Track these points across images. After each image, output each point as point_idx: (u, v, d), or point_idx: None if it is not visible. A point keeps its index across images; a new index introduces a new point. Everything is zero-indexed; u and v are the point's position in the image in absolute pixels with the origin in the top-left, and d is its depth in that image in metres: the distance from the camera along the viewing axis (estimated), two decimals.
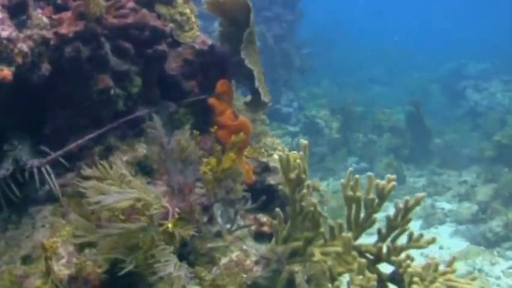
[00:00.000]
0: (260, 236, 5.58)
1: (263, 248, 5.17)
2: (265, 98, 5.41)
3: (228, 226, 5.14)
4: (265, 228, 5.56)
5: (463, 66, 30.49)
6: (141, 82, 5.26)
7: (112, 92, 4.94)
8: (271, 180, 5.82)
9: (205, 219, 4.95)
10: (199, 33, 5.94)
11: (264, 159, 5.92)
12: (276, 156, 6.13)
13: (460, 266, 12.05)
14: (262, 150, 6.01)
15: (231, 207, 5.19)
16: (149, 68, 5.34)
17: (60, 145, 4.97)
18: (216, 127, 4.80)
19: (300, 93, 22.94)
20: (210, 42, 5.84)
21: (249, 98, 6.03)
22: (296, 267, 4.99)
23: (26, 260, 4.45)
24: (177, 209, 4.49)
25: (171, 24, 5.53)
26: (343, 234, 4.07)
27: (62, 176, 5.04)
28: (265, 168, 5.86)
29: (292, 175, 4.42)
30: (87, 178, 4.35)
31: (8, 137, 5.03)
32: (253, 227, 5.44)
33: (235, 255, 4.94)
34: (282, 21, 23.01)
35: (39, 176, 4.91)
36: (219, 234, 4.97)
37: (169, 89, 5.58)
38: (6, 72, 4.16)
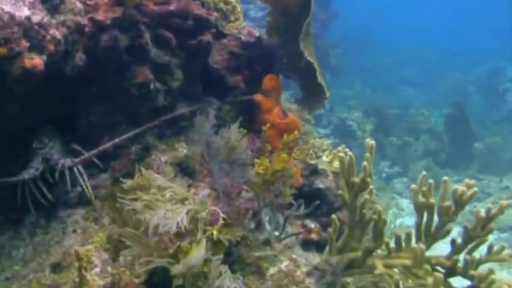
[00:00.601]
0: (307, 244, 5.09)
1: (314, 258, 4.72)
2: (327, 93, 4.93)
3: (276, 233, 4.66)
4: (313, 236, 5.09)
5: (502, 68, 29.57)
6: (182, 76, 4.80)
7: (152, 86, 4.50)
8: (320, 183, 5.32)
9: (252, 225, 4.47)
10: (245, 24, 5.46)
11: (312, 162, 5.43)
12: (325, 159, 5.63)
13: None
14: (310, 151, 5.53)
15: (280, 213, 4.73)
16: (192, 60, 4.88)
17: (93, 143, 4.54)
18: (268, 125, 4.31)
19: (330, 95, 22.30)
20: (257, 33, 5.37)
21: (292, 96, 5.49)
22: (349, 279, 4.50)
23: (56, 268, 4.03)
24: (222, 214, 4.00)
25: (215, 13, 5.06)
26: (414, 245, 3.55)
27: (94, 176, 4.62)
28: (314, 171, 5.39)
29: (356, 179, 3.93)
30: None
31: (37, 134, 4.62)
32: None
33: (284, 265, 4.48)
34: (315, 20, 22.42)
35: (71, 177, 4.48)
36: (267, 242, 4.50)
37: (212, 84, 5.13)
38: (37, 60, 3.73)
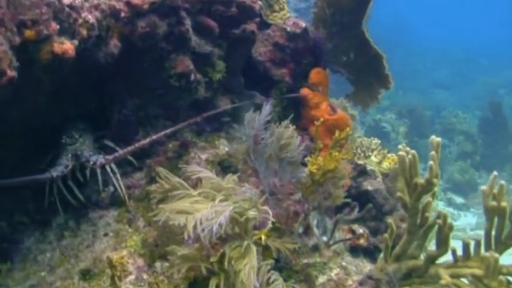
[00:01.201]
0: (355, 250, 4.59)
1: (364, 266, 4.27)
2: (391, 83, 4.45)
3: (324, 238, 4.15)
4: (362, 242, 4.57)
5: None
6: (224, 67, 4.31)
7: (192, 77, 4.04)
8: (368, 185, 4.80)
9: (300, 229, 3.98)
10: (290, 14, 4.96)
11: (361, 162, 4.92)
12: (373, 159, 5.11)
13: None
14: (358, 151, 5.01)
15: (328, 216, 4.22)
16: (234, 51, 4.42)
17: (127, 140, 4.10)
18: (322, 120, 3.81)
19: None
20: (303, 24, 4.87)
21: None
22: None
23: (86, 275, 3.62)
24: (271, 218, 3.51)
25: (259, 2, 4.57)
26: (485, 253, 3.04)
27: (128, 175, 4.18)
28: (362, 172, 4.87)
29: (420, 180, 3.42)
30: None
31: (67, 129, 4.17)
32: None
33: (334, 273, 4.03)
34: None
35: (103, 176, 4.05)
36: (315, 248, 3.99)
37: (255, 77, 4.64)
38: (68, 45, 3.29)
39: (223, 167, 4.22)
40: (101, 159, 3.91)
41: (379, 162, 5.04)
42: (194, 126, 4.36)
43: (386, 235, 3.88)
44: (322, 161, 3.77)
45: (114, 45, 3.74)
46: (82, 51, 3.44)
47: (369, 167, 4.98)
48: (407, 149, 3.64)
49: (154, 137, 3.82)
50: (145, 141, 3.83)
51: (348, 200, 4.29)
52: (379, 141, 5.35)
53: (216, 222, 3.01)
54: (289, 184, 3.89)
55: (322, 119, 3.88)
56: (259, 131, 3.90)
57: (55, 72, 3.38)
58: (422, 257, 3.87)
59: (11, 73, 3.00)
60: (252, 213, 3.17)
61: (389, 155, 5.20)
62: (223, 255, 3.30)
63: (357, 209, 4.22)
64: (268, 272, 3.22)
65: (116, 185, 4.02)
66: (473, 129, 19.11)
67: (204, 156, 4.18)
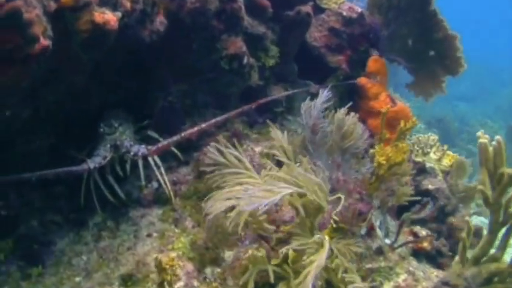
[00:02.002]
0: (417, 255, 3.99)
1: (430, 271, 3.69)
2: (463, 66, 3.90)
3: (388, 241, 3.55)
4: (426, 245, 3.97)
5: None
6: (278, 53, 3.76)
7: (245, 60, 3.50)
8: (429, 184, 4.21)
9: (363, 230, 3.40)
10: None
11: (419, 159, 4.32)
12: (432, 156, 4.51)
13: None
14: (416, 147, 4.42)
15: (392, 217, 3.65)
16: (288, 35, 3.91)
17: (172, 131, 3.54)
18: (388, 106, 3.26)
19: None
20: (359, 9, 4.32)
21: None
22: None
23: (127, 280, 3.11)
24: (334, 216, 2.93)
25: None
26: None
27: (173, 170, 3.64)
28: (421, 170, 4.28)
29: (508, 170, 2.83)
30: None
31: (105, 117, 3.64)
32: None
33: (401, 279, 3.43)
34: None
35: (145, 169, 3.49)
36: (379, 251, 3.40)
37: (309, 64, 4.09)
38: (110, 16, 2.80)
39: (279, 160, 3.63)
40: (142, 149, 3.37)
41: (439, 160, 4.44)
42: (245, 117, 3.85)
43: (463, 235, 3.31)
44: (391, 151, 3.18)
45: (160, 22, 3.23)
46: (125, 27, 2.95)
47: (428, 165, 4.39)
48: (486, 136, 3.06)
49: (203, 125, 3.27)
50: (192, 130, 3.29)
51: (417, 197, 3.71)
52: (437, 137, 4.75)
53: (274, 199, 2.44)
54: (352, 179, 3.31)
55: (388, 106, 3.29)
56: (317, 120, 3.33)
57: (95, 49, 2.88)
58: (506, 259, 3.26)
59: (45, 41, 2.51)
60: (323, 203, 2.59)
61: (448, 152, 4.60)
62: (285, 256, 2.73)
63: (429, 206, 3.62)
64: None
65: (160, 180, 3.48)
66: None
67: (258, 149, 3.65)
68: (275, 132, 3.12)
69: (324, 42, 4.16)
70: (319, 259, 2.58)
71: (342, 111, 3.41)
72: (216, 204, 2.56)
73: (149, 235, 3.41)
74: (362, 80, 4.07)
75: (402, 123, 3.46)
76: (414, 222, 4.15)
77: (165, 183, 3.52)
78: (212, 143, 2.96)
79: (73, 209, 3.68)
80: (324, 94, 3.28)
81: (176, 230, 3.40)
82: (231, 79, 3.57)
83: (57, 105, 3.24)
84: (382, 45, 4.33)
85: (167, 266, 2.52)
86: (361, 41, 4.27)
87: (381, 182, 3.44)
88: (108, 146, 3.47)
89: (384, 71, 4.15)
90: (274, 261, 2.89)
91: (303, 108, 3.37)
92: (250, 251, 2.70)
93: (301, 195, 2.69)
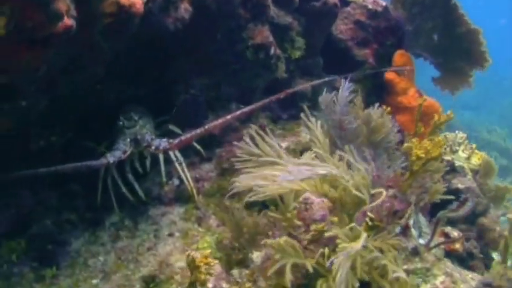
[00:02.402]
0: (448, 256, 3.78)
1: (465, 273, 3.40)
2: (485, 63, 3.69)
3: (421, 241, 3.35)
4: (458, 246, 3.74)
5: None
6: (304, 44, 3.57)
7: (272, 50, 3.29)
8: (459, 183, 4.00)
9: (397, 229, 3.18)
10: None
11: (447, 157, 4.12)
12: (461, 154, 4.31)
13: None
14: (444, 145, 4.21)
15: (424, 215, 3.44)
16: (314, 27, 3.71)
17: (195, 125, 3.32)
18: (424, 98, 3.06)
19: None
20: (383, 2, 4.13)
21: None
22: None
23: (150, 282, 2.88)
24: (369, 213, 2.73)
25: None
26: None
27: (195, 167, 3.44)
28: (450, 168, 4.06)
29: None
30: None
31: (124, 111, 3.44)
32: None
33: (439, 281, 3.17)
34: None
35: (166, 166, 3.28)
36: (415, 252, 3.18)
37: (335, 57, 3.89)
38: None
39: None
40: (164, 143, 3.16)
41: (468, 158, 4.23)
42: (268, 112, 3.63)
43: (506, 233, 3.09)
44: (429, 144, 2.98)
45: (185, 9, 3.04)
46: (149, 13, 2.71)
47: (457, 163, 4.18)
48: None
49: (228, 117, 3.04)
50: (217, 122, 3.06)
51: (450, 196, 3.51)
52: (465, 135, 4.55)
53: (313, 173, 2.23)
54: (385, 175, 3.10)
55: (424, 97, 3.11)
56: (342, 115, 3.13)
57: (118, 35, 2.67)
58: None
59: (69, 21, 2.33)
60: (364, 195, 2.38)
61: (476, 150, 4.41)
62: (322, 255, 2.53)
63: (469, 204, 3.42)
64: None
65: (182, 176, 3.27)
66: (509, 145, 18.27)
67: (284, 144, 3.44)
68: (310, 124, 2.91)
69: (349, 35, 3.97)
70: (353, 246, 2.35)
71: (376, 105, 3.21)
72: (246, 180, 2.33)
73: (171, 234, 3.21)
74: (390, 75, 3.88)
75: (436, 117, 3.26)
76: (447, 222, 3.96)
77: (188, 180, 3.31)
78: (246, 132, 2.75)
79: (88, 208, 3.50)
80: (345, 87, 3.07)
81: (200, 229, 3.20)
82: (257, 71, 3.37)
83: (75, 98, 3.05)
84: (406, 40, 4.14)
85: (201, 264, 2.29)
86: (387, 35, 4.09)
87: (415, 178, 3.23)
88: (128, 140, 3.27)
89: (411, 66, 3.96)
90: (309, 261, 2.69)
91: (323, 103, 3.17)
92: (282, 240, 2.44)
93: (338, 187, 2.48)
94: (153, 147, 3.20)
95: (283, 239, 2.41)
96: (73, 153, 3.29)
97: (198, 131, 3.13)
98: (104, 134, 3.51)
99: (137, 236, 3.30)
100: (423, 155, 2.97)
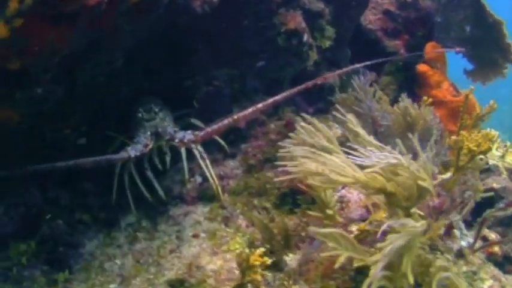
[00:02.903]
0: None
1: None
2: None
3: (463, 243, 3.13)
4: (496, 250, 3.52)
5: None
6: (334, 34, 3.34)
7: (305, 37, 3.05)
8: (494, 183, 3.80)
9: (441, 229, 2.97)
10: None
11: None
12: (495, 152, 4.08)
13: None
14: None
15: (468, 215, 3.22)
16: (343, 16, 3.44)
17: (217, 118, 3.06)
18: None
19: None
20: None
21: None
22: None
23: (177, 286, 2.64)
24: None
25: None
26: None
27: (219, 163, 3.19)
28: (484, 168, 3.83)
29: None
30: None
31: (142, 103, 3.18)
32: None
33: (487, 285, 2.96)
34: None
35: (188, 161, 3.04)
36: (460, 254, 2.96)
37: (364, 48, 3.67)
38: None
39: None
40: (189, 135, 2.91)
41: (502, 156, 4.01)
42: (294, 107, 3.39)
43: None
44: (479, 137, 2.76)
45: None
46: None
47: (491, 162, 3.95)
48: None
49: (259, 105, 2.79)
50: (246, 112, 2.80)
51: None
52: (498, 133, 4.33)
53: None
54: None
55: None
56: (373, 111, 2.93)
57: (142, 18, 2.43)
58: None
59: None
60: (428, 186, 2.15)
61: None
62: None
63: None
64: None
65: (207, 173, 3.02)
66: None
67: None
68: (348, 116, 2.68)
69: (379, 26, 3.76)
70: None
71: (403, 96, 2.99)
72: (308, 163, 2.07)
73: (195, 235, 2.95)
74: (422, 67, 3.67)
75: (478, 109, 3.04)
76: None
77: (212, 177, 3.06)
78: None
79: (102, 207, 3.24)
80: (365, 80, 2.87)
81: (228, 230, 2.94)
82: (288, 60, 3.14)
83: (92, 88, 2.79)
84: (436, 32, 3.93)
85: (256, 263, 2.05)
86: (417, 26, 3.88)
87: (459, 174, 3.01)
88: (149, 133, 3.01)
89: (443, 58, 3.76)
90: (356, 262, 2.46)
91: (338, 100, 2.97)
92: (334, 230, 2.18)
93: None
94: (176, 140, 2.94)
95: (335, 230, 2.15)
96: (85, 149, 3.05)
97: (226, 121, 2.88)
98: (118, 128, 3.26)
99: (157, 237, 3.05)
100: (475, 148, 2.75)
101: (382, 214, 2.48)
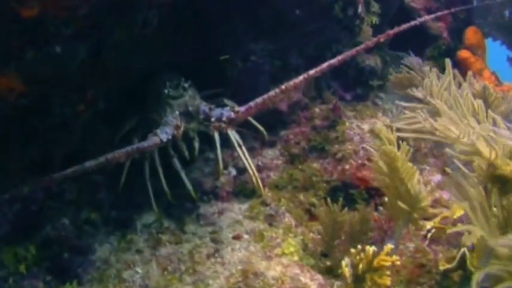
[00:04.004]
0: None
1: None
2: None
3: None
4: None
5: None
6: (379, 10, 2.91)
7: (360, 8, 2.59)
8: None
9: None
10: None
11: None
12: None
13: None
14: None
15: None
16: None
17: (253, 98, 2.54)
18: None
19: None
20: None
21: None
22: None
23: None
24: None
25: None
26: None
27: (256, 153, 2.68)
28: None
29: None
30: None
31: (163, 79, 2.64)
32: None
33: None
34: None
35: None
36: None
37: (406, 31, 3.23)
38: None
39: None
40: (227, 112, 2.34)
41: None
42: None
43: None
44: None
45: None
46: None
47: None
48: None
49: (311, 72, 2.20)
50: (297, 80, 2.21)
51: None
52: None
53: None
54: None
55: None
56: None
57: None
58: None
59: None
60: None
61: None
62: None
63: None
64: None
65: (245, 163, 2.48)
66: None
67: (365, 127, 2.72)
68: (439, 104, 2.23)
69: (422, 5, 3.38)
70: None
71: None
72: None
73: (237, 237, 2.43)
74: (464, 53, 3.30)
75: None
76: None
77: (252, 168, 2.55)
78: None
79: (114, 205, 2.64)
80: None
81: (276, 230, 2.43)
82: (337, 34, 2.67)
83: (119, 53, 2.24)
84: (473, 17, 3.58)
85: (385, 263, 1.56)
86: (458, 7, 3.48)
87: None
88: (177, 112, 2.47)
89: (483, 45, 3.42)
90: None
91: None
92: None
93: None
94: (213, 119, 2.39)
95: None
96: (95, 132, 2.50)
97: (272, 93, 2.30)
98: (131, 107, 2.71)
99: (185, 240, 2.54)
100: None
101: None
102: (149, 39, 2.43)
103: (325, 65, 2.20)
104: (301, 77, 2.20)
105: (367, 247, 1.70)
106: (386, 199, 2.30)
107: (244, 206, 2.59)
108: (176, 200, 2.64)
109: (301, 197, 2.59)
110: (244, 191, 2.64)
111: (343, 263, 1.81)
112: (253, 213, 2.54)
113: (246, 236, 2.44)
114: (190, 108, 2.49)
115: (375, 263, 1.64)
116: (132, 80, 2.64)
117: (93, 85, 2.31)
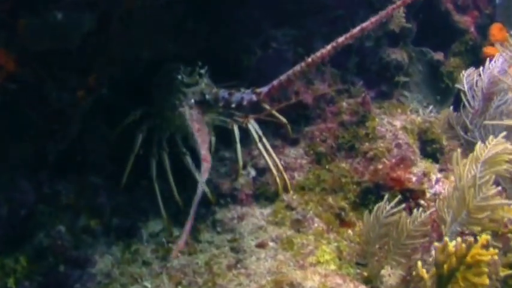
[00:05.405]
0: None
1: None
2: None
3: None
4: None
5: None
6: None
7: None
8: None
9: None
10: None
11: None
12: None
13: None
14: None
15: None
16: None
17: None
18: None
19: None
20: None
21: None
22: None
23: None
24: None
25: None
26: None
27: (277, 151, 2.35)
28: None
29: None
30: None
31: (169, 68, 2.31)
32: None
33: None
34: None
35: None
36: None
37: (430, 23, 2.98)
38: None
39: (422, 141, 2.47)
40: (248, 96, 2.00)
41: None
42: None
43: None
44: None
45: None
46: None
47: None
48: None
49: (340, 39, 1.85)
50: (323, 51, 1.84)
51: None
52: None
53: None
54: None
55: None
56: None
57: None
58: None
59: None
60: None
61: None
62: None
63: None
64: None
65: (267, 159, 2.15)
66: None
67: (398, 124, 2.41)
68: None
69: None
70: None
71: None
72: None
73: (261, 245, 2.09)
74: (490, 50, 3.06)
75: None
76: None
77: (278, 167, 2.22)
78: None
79: (115, 210, 2.27)
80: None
81: (307, 237, 2.08)
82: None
83: (129, 30, 1.91)
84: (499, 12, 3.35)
85: (483, 258, 1.22)
86: (484, 2, 3.24)
87: None
88: (192, 101, 2.13)
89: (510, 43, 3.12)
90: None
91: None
92: None
93: None
94: (233, 105, 2.05)
95: None
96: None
97: (298, 67, 1.93)
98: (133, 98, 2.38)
99: (200, 250, 2.16)
100: None
101: None
102: (159, 19, 2.12)
103: (356, 29, 1.89)
104: (329, 46, 1.88)
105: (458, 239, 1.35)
106: None
107: (267, 211, 2.26)
108: (187, 205, 2.28)
109: (330, 200, 2.26)
110: (265, 194, 2.32)
111: (419, 263, 1.48)
112: (277, 218, 2.21)
113: (271, 244, 2.10)
114: (207, 97, 2.15)
115: (469, 258, 1.30)
116: (139, 69, 2.31)
117: (97, 68, 1.97)
